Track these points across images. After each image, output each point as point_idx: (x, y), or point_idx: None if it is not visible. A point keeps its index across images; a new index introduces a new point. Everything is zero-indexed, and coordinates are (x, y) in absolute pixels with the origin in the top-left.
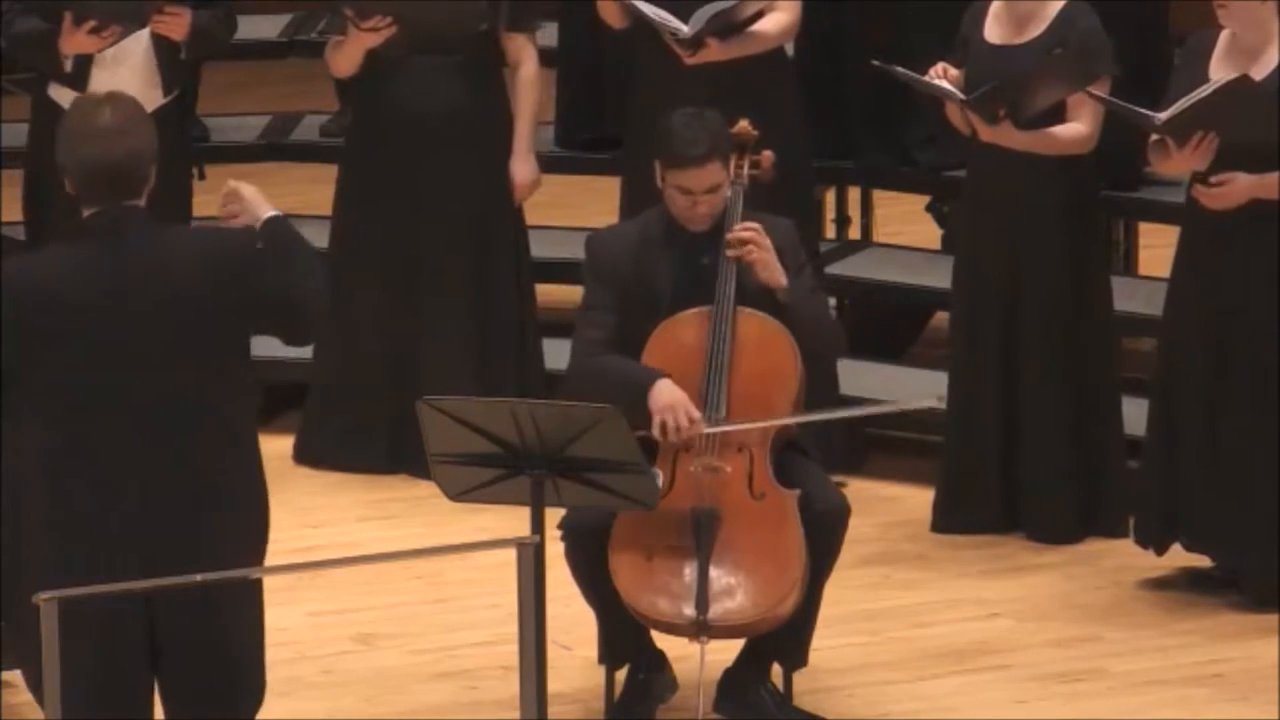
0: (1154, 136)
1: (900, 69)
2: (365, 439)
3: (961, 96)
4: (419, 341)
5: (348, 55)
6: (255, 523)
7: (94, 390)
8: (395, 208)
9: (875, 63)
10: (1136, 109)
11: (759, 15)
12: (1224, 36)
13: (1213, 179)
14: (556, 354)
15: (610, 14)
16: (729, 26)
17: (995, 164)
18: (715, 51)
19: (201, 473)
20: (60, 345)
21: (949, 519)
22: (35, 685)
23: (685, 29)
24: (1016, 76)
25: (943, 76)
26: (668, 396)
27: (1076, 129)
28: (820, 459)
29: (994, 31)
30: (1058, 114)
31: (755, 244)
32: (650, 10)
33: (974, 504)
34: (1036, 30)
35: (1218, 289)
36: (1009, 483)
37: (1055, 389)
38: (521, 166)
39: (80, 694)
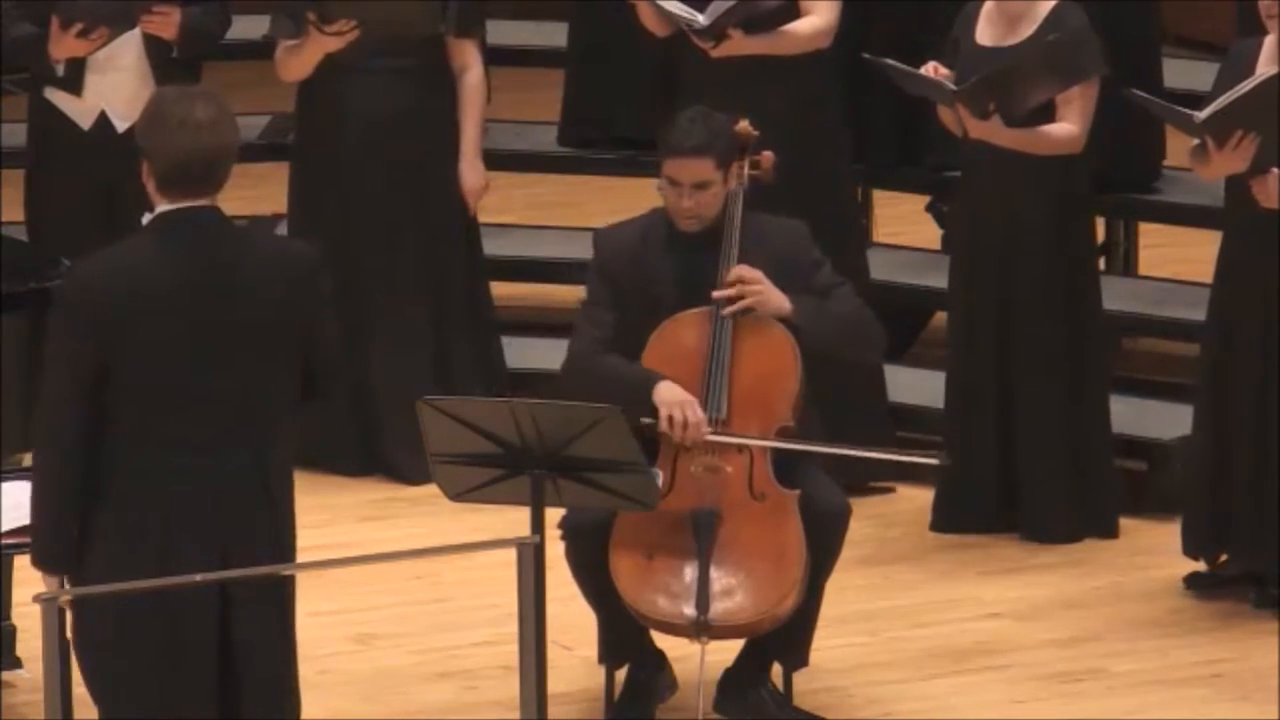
0: (1194, 142)
1: (891, 62)
2: (329, 443)
3: (952, 87)
4: (375, 346)
5: (306, 60)
6: (293, 520)
7: (175, 387)
8: (346, 211)
9: (865, 55)
10: (1176, 108)
11: (784, 10)
12: (1269, 43)
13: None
14: (560, 354)
15: (649, 20)
16: (751, 17)
17: (988, 163)
18: (740, 44)
19: (267, 469)
20: (136, 340)
21: (947, 519)
22: (98, 698)
23: (701, 20)
24: (1005, 68)
25: (933, 75)
26: (674, 394)
27: (1066, 129)
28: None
29: (985, 33)
30: (1047, 113)
31: (745, 289)
32: (667, 3)
33: (971, 504)
34: (1027, 31)
35: (1267, 289)
36: (1005, 482)
37: (1049, 389)
38: (470, 171)
39: (145, 693)
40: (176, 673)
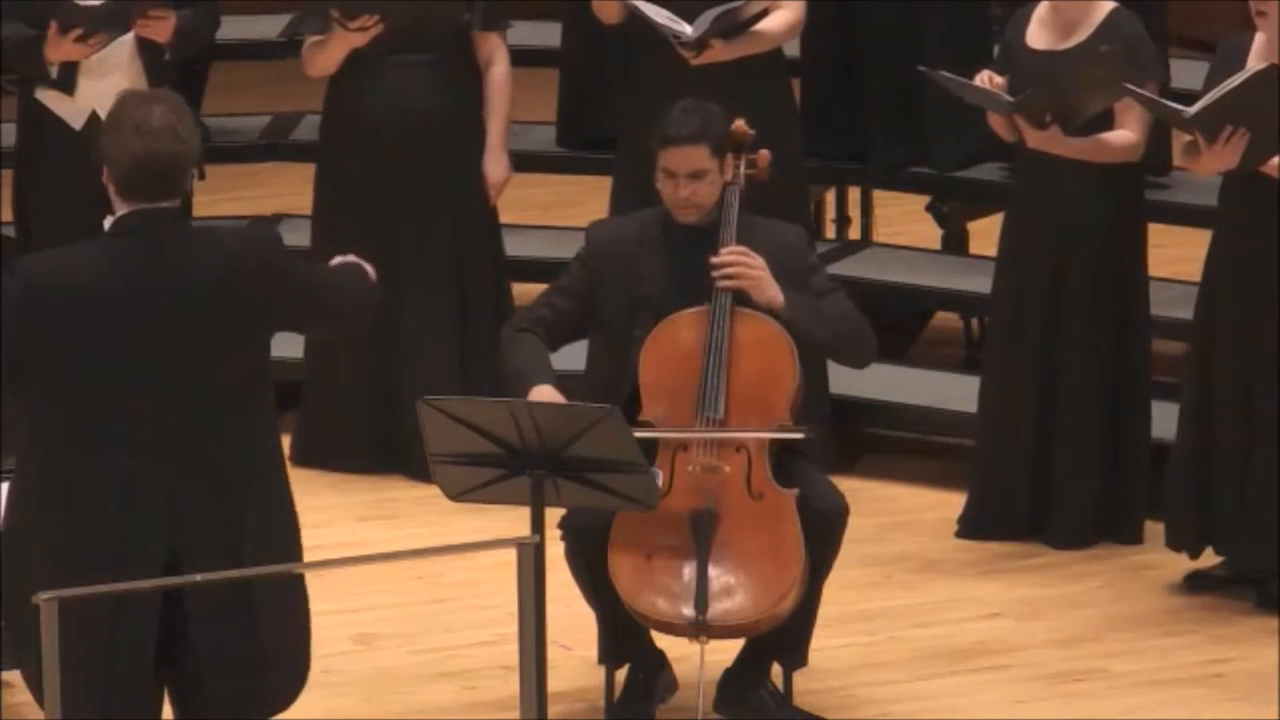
0: (1185, 139)
1: (945, 74)
2: (352, 441)
3: (1009, 99)
4: (399, 342)
5: (331, 55)
6: (285, 521)
7: (121, 388)
8: (372, 207)
9: (921, 68)
10: (1166, 103)
11: (763, 14)
12: (1259, 39)
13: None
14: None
15: (605, 10)
16: (733, 26)
17: (1044, 171)
18: (720, 52)
19: (219, 465)
20: (84, 341)
21: (976, 528)
22: (36, 686)
23: (689, 31)
24: (1059, 77)
25: (987, 84)
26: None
27: (1125, 136)
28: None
29: (1038, 37)
30: (1106, 122)
31: (743, 268)
32: (653, 12)
33: (1003, 513)
34: (1081, 36)
35: (1251, 288)
36: (1038, 492)
37: (1092, 398)
38: (495, 165)
39: (84, 693)
40: (116, 672)
